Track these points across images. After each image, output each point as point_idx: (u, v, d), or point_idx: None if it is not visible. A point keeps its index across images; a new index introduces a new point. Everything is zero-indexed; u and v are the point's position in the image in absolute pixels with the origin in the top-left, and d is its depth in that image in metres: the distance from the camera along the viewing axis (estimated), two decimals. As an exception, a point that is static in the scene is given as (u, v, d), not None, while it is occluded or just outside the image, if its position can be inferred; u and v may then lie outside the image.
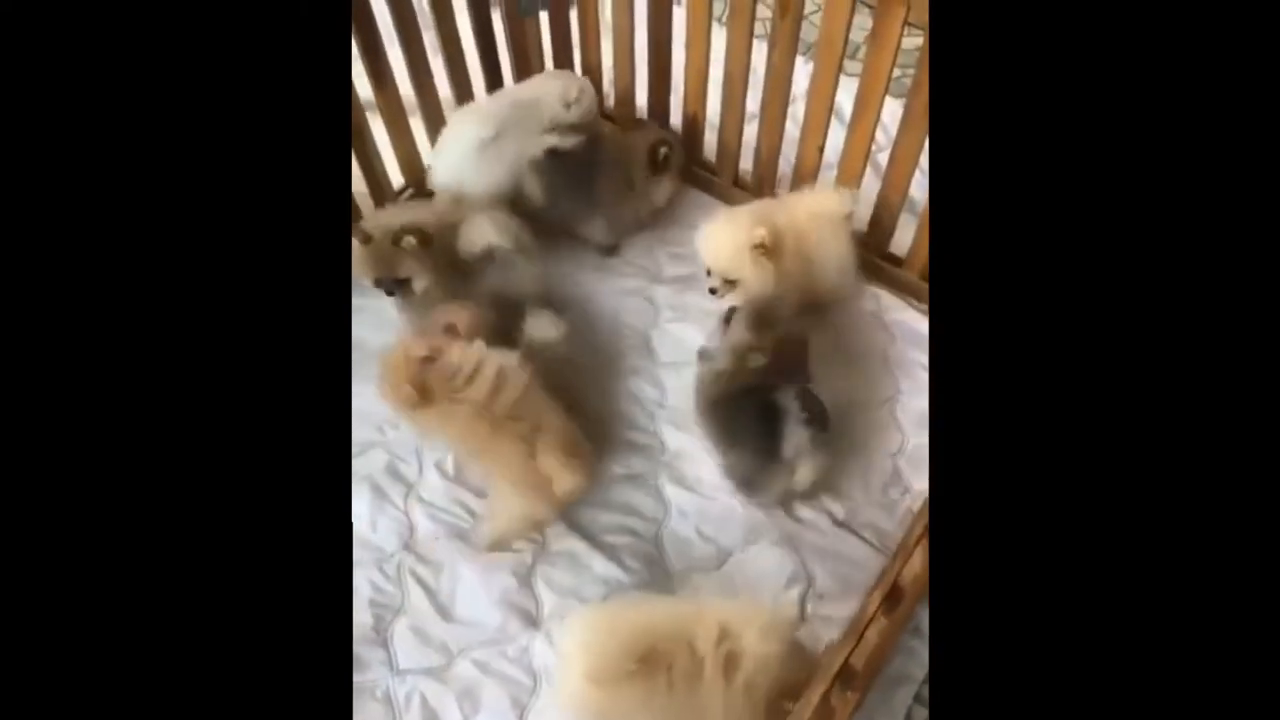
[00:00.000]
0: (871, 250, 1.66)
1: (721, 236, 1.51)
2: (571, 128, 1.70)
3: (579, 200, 1.67)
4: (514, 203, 1.68)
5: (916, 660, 1.30)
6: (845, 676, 0.87)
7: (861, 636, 0.87)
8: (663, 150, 1.70)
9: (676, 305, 1.69)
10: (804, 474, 1.36)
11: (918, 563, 0.95)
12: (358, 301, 1.69)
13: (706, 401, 1.43)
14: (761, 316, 1.44)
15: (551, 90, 1.72)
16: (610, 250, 1.76)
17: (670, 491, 1.47)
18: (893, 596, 0.93)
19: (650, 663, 1.04)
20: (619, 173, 1.68)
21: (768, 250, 1.47)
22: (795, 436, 1.33)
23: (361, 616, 1.34)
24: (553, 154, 1.67)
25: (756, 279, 1.49)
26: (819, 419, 1.35)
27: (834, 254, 1.57)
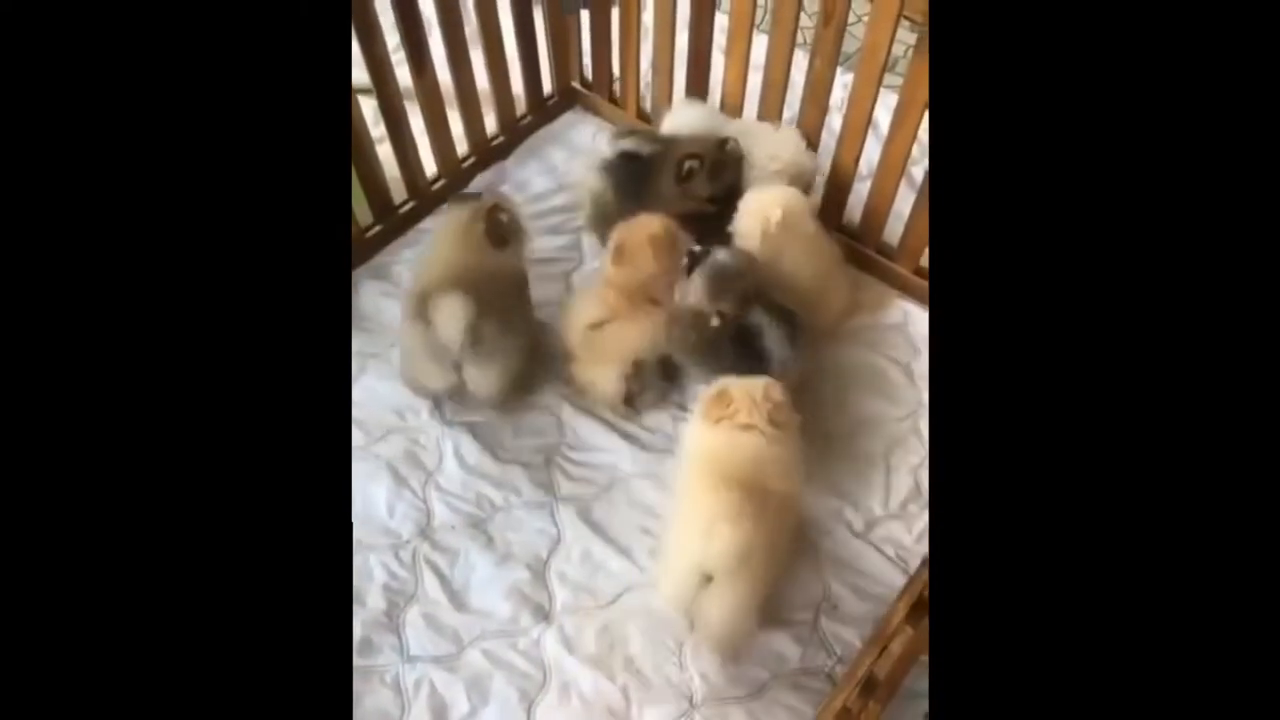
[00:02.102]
0: (904, 264, 1.66)
1: (751, 206, 1.53)
2: (649, 137, 1.69)
3: (636, 203, 1.64)
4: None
5: (929, 677, 1.29)
6: (867, 686, 0.86)
7: (885, 647, 0.86)
8: (689, 164, 1.61)
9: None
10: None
11: (944, 575, 0.94)
12: (383, 286, 1.70)
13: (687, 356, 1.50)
14: (721, 280, 1.43)
15: (773, 139, 1.66)
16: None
17: (688, 493, 1.46)
18: (919, 608, 0.92)
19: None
20: (662, 180, 1.64)
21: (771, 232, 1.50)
22: (777, 348, 1.41)
23: (375, 601, 1.34)
24: (623, 156, 1.65)
25: (763, 254, 1.50)
26: (790, 322, 1.43)
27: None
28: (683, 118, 1.73)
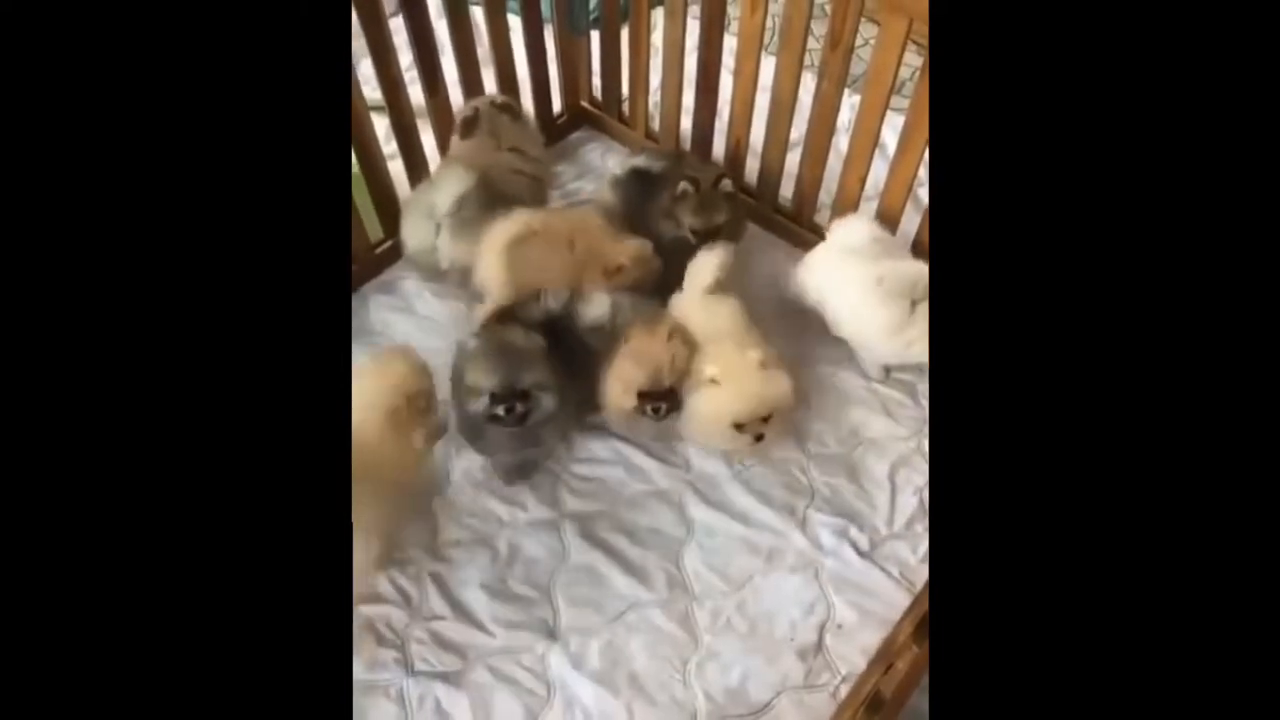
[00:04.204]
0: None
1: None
2: (661, 155, 1.73)
3: (640, 219, 1.66)
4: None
5: (934, 698, 1.28)
6: (873, 704, 0.86)
7: (891, 664, 0.86)
8: (684, 185, 1.59)
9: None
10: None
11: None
12: (392, 301, 1.72)
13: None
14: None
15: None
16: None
17: (694, 511, 1.46)
18: (924, 626, 0.92)
19: None
20: (661, 199, 1.65)
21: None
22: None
23: (380, 615, 1.34)
24: (633, 172, 1.68)
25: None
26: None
27: None
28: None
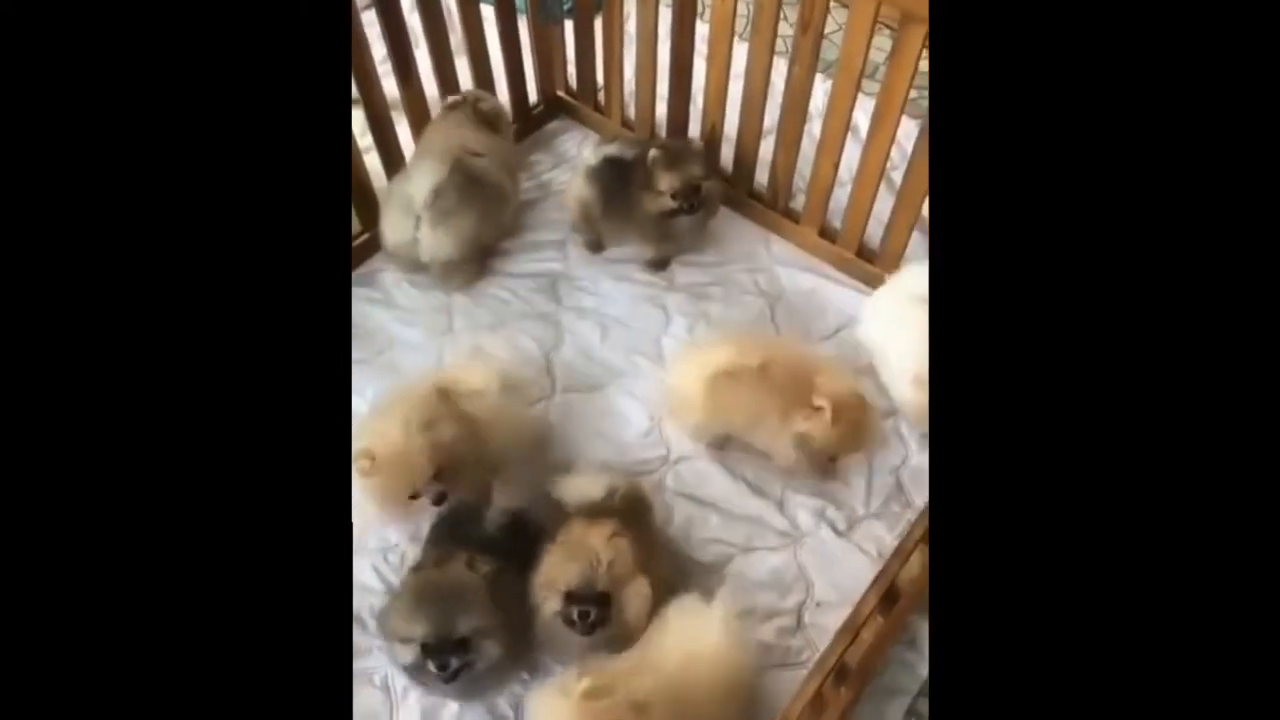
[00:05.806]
0: (884, 266, 1.68)
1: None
2: (632, 142, 1.74)
3: (620, 206, 1.69)
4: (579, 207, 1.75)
5: (911, 673, 1.30)
6: (839, 673, 0.88)
7: (857, 635, 0.88)
8: (652, 153, 1.63)
9: (687, 312, 1.71)
10: None
11: (915, 565, 0.96)
12: (370, 294, 1.72)
13: None
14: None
15: None
16: (659, 265, 1.77)
17: (672, 494, 1.48)
18: (889, 597, 0.94)
19: None
20: (638, 181, 1.67)
21: None
22: None
23: (364, 603, 1.35)
24: (607, 161, 1.69)
25: None
26: None
27: None
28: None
